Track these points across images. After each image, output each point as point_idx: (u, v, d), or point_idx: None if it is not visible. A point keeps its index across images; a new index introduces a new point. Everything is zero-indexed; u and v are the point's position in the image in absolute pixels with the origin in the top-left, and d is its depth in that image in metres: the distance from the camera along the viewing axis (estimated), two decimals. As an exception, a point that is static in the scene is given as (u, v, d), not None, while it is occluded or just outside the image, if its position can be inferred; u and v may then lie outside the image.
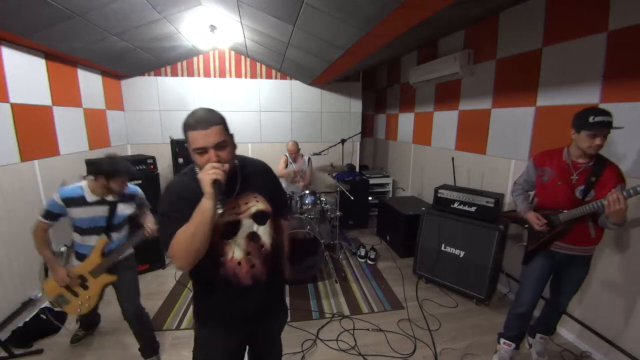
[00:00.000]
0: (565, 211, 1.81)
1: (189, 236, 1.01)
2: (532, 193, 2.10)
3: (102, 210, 1.90)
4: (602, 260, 2.14)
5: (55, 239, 2.07)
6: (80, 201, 1.84)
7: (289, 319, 2.61)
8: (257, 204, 1.20)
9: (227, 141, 1.09)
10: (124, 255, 2.03)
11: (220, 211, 1.00)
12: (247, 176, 1.23)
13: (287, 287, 3.11)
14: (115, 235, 1.98)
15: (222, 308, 1.23)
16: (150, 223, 2.00)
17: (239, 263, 1.16)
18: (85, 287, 1.96)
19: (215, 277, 1.17)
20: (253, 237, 1.19)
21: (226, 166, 1.06)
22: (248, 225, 1.18)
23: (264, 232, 1.22)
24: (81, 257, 1.96)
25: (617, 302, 2.06)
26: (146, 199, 2.12)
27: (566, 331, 2.40)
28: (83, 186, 1.87)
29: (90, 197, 1.86)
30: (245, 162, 1.29)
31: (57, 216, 1.85)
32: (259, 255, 1.20)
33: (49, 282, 1.95)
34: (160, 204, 1.12)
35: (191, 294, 2.94)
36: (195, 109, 1.09)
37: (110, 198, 1.92)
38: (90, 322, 2.40)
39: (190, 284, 3.13)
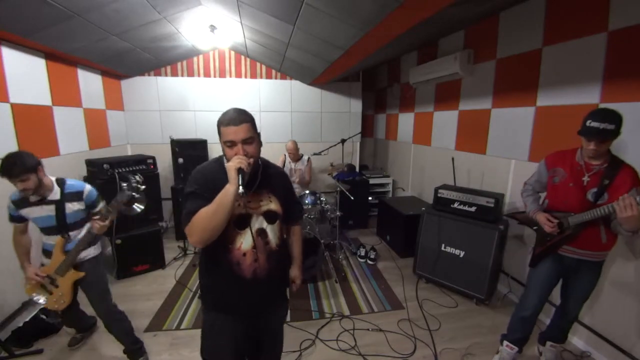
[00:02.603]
0: (574, 214, 1.73)
1: (209, 214, 1.11)
2: (543, 195, 2.03)
3: (48, 210, 1.86)
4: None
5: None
6: (25, 202, 1.83)
7: (288, 318, 2.62)
8: (270, 204, 1.32)
9: (253, 138, 1.22)
10: (88, 255, 2.00)
11: (241, 191, 1.11)
12: (267, 177, 1.34)
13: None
14: (74, 234, 1.95)
15: (222, 295, 1.32)
16: (97, 218, 1.87)
17: (244, 254, 1.26)
18: (56, 286, 1.95)
19: (222, 261, 1.27)
20: (261, 233, 1.29)
21: (251, 160, 1.18)
22: (258, 221, 1.29)
23: (271, 231, 1.32)
24: (48, 254, 1.96)
25: (618, 302, 2.06)
26: (98, 196, 2.01)
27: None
28: None
29: (31, 197, 1.82)
30: (269, 164, 1.41)
31: (17, 218, 1.87)
32: (263, 251, 1.29)
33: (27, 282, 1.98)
34: (189, 183, 1.24)
35: (190, 295, 2.96)
36: (228, 109, 1.22)
37: (51, 197, 1.86)
38: (82, 325, 2.38)
39: (190, 284, 3.14)
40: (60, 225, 1.89)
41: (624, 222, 1.49)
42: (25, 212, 1.85)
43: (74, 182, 1.96)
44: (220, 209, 1.11)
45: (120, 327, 2.09)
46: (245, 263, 1.27)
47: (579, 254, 1.79)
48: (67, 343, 2.32)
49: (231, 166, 1.14)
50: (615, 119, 1.56)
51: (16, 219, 1.88)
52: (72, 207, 1.91)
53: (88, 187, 1.98)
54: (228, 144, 1.19)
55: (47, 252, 1.97)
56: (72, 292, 1.98)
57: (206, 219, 1.12)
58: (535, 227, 2.00)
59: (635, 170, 1.65)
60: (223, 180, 1.16)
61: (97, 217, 1.87)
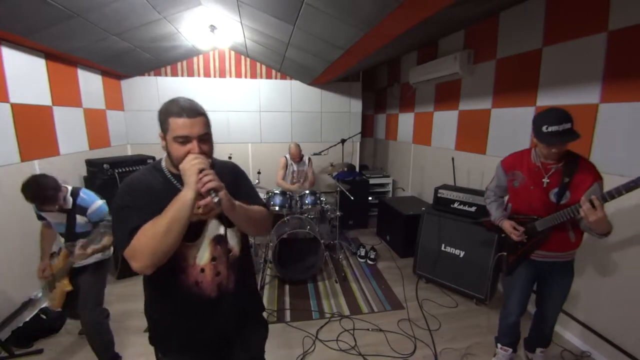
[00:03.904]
0: (540, 219, 1.71)
1: (161, 231, 0.89)
2: (506, 198, 2.00)
3: (61, 217, 1.93)
4: (602, 259, 2.14)
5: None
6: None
7: (288, 318, 2.62)
8: None
9: (209, 135, 1.04)
10: (87, 261, 1.96)
11: (216, 200, 0.92)
12: (218, 175, 1.11)
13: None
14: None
15: (184, 328, 1.09)
16: (80, 244, 1.86)
17: (202, 270, 1.06)
18: (54, 287, 1.99)
19: (175, 286, 1.05)
20: (219, 240, 1.08)
21: (209, 160, 1.00)
22: (214, 226, 1.08)
23: (232, 236, 1.12)
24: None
25: (617, 302, 2.06)
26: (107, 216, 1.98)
27: (564, 330, 2.40)
28: None
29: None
30: (214, 162, 1.15)
31: (41, 217, 2.00)
32: (224, 261, 1.09)
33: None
34: (118, 197, 1.00)
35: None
36: (176, 97, 1.02)
37: (65, 206, 1.90)
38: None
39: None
40: (69, 233, 1.95)
41: (594, 227, 1.48)
42: (44, 214, 1.96)
43: (86, 196, 1.97)
44: (175, 224, 0.89)
45: (100, 337, 2.01)
46: (206, 280, 1.06)
47: (549, 257, 1.78)
48: (68, 341, 2.33)
49: (188, 167, 0.92)
50: (568, 115, 1.53)
51: (40, 217, 2.00)
52: (80, 219, 1.95)
53: (94, 206, 1.95)
54: (180, 139, 0.96)
55: None
56: (62, 300, 1.99)
57: (156, 236, 0.88)
58: (503, 235, 1.96)
59: (593, 164, 1.63)
60: (169, 191, 0.96)
61: (80, 243, 1.87)
